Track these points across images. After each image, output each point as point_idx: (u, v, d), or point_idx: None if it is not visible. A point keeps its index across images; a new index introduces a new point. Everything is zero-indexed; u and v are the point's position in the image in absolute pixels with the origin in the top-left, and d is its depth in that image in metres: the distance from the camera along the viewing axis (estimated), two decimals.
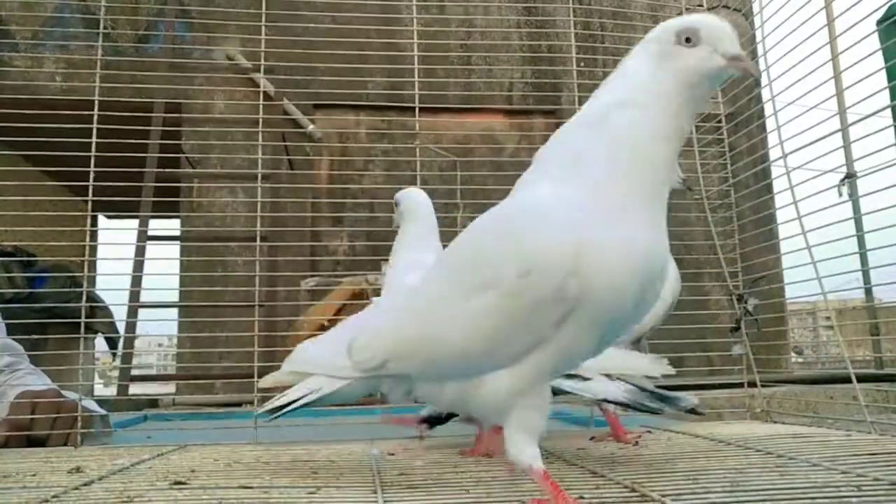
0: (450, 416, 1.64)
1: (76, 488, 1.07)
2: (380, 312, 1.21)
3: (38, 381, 1.75)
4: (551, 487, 0.84)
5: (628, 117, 0.85)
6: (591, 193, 0.82)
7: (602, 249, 0.79)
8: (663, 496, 0.90)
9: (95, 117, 2.01)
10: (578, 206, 0.81)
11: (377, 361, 0.98)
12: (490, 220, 0.91)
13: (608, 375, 1.33)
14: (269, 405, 1.22)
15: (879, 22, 2.95)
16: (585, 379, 1.30)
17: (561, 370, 0.97)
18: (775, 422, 1.85)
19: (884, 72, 1.94)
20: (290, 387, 1.22)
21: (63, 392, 1.70)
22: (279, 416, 1.20)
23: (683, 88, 0.85)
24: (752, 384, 1.98)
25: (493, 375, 0.86)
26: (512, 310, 0.81)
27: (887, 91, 1.99)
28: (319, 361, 1.18)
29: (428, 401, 1.23)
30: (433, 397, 1.04)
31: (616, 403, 1.35)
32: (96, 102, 2.03)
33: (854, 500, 0.86)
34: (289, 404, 1.18)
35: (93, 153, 1.97)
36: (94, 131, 1.99)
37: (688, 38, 0.85)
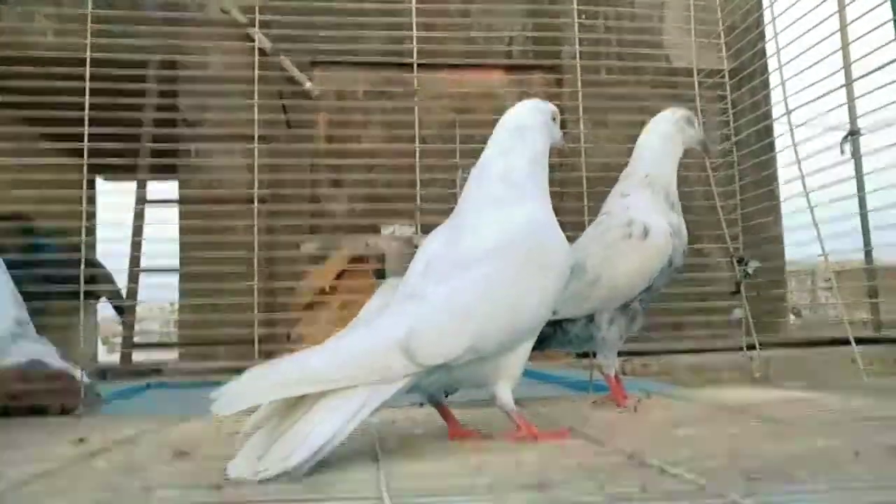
0: None
1: (81, 459, 1.08)
2: (419, 311, 1.06)
3: (40, 347, 1.76)
4: (524, 422, 1.13)
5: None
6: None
7: None
8: (662, 462, 0.90)
9: (87, 74, 1.97)
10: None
11: (463, 347, 1.04)
12: (539, 224, 1.20)
13: None
14: (288, 458, 0.91)
15: None
16: None
17: None
18: (774, 386, 1.86)
19: (891, 24, 1.90)
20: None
21: (48, 360, 1.71)
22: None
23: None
24: (751, 347, 1.99)
25: (526, 343, 1.15)
26: (559, 285, 1.17)
27: (895, 45, 1.94)
28: (353, 371, 0.98)
29: (460, 385, 1.26)
30: (466, 379, 1.15)
31: None
32: (87, 60, 1.99)
33: (852, 464, 0.87)
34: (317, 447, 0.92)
35: (86, 112, 1.94)
36: (87, 90, 1.95)
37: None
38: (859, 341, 1.75)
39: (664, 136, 1.70)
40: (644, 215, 1.59)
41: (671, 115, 1.73)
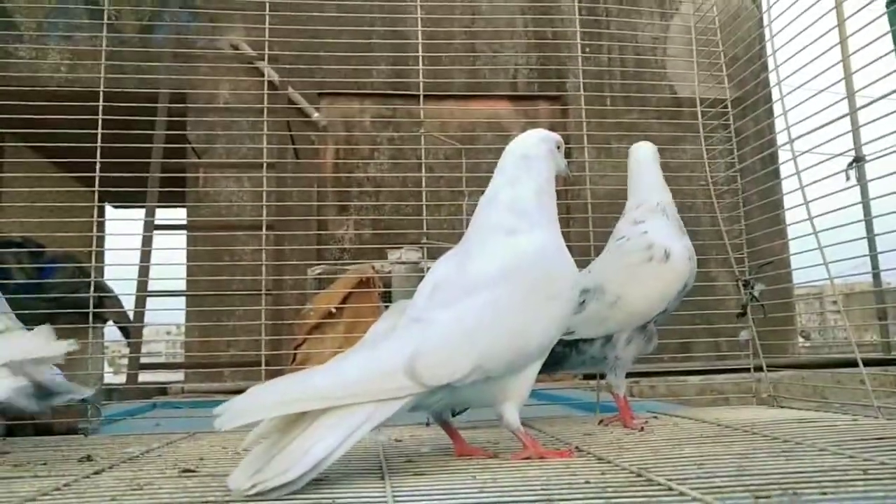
0: None
1: (87, 476, 1.09)
2: (425, 333, 1.06)
3: (44, 368, 1.77)
4: (530, 441, 1.15)
5: None
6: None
7: None
8: (669, 480, 0.90)
9: (101, 107, 2.01)
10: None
11: (468, 368, 1.05)
12: (547, 252, 1.21)
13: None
14: (287, 472, 0.90)
15: (889, 4, 2.91)
16: None
17: None
18: (782, 406, 1.85)
19: (893, 54, 1.92)
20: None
21: (54, 381, 1.72)
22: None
23: None
24: (758, 369, 1.98)
25: (533, 365, 1.15)
26: (567, 311, 1.20)
27: None
28: (356, 389, 0.98)
29: (467, 404, 1.30)
30: (473, 399, 1.16)
31: None
32: (101, 93, 2.03)
33: (860, 483, 0.86)
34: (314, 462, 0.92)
35: (98, 143, 1.98)
36: (100, 121, 1.99)
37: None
38: (868, 363, 1.74)
39: (656, 162, 1.73)
40: (663, 239, 1.61)
41: (645, 145, 1.76)
